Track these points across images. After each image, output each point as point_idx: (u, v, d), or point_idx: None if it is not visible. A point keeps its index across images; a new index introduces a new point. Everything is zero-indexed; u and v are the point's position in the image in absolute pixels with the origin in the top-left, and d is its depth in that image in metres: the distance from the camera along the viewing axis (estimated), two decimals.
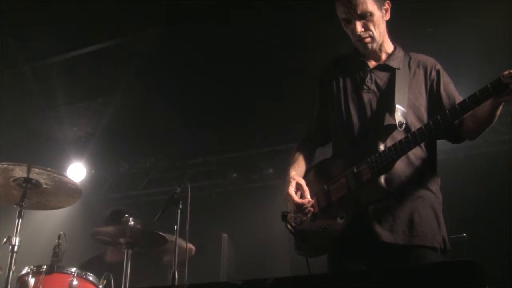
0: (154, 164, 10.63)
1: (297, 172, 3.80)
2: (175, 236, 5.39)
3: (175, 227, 5.39)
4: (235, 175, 10.16)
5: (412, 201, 3.48)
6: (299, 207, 3.59)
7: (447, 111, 3.23)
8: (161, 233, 5.77)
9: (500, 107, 3.27)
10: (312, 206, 3.62)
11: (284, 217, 3.77)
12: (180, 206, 5.45)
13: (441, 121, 3.23)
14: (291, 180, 3.68)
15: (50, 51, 7.46)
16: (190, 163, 10.45)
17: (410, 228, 3.40)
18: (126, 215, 5.85)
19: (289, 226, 3.74)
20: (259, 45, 7.46)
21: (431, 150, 3.65)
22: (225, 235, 8.64)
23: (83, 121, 9.55)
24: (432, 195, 3.55)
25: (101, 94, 8.67)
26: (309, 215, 3.62)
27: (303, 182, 3.67)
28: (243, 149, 10.04)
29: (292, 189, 3.63)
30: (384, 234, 3.40)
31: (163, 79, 8.33)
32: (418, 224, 3.41)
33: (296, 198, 3.59)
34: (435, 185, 3.61)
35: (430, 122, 3.29)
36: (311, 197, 3.62)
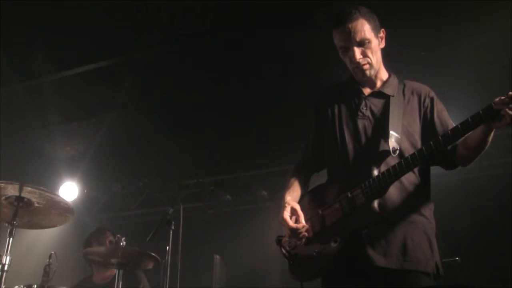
0: (147, 185, 10.59)
1: (292, 197, 3.83)
2: (166, 257, 5.36)
3: (167, 247, 5.37)
4: (228, 196, 10.14)
5: (405, 226, 3.49)
6: (294, 232, 3.61)
7: (440, 137, 3.26)
8: (153, 254, 5.74)
9: (492, 133, 3.28)
10: (307, 230, 3.64)
11: (278, 241, 3.81)
12: (173, 227, 5.44)
13: (434, 146, 3.26)
14: (286, 205, 3.72)
15: (44, 70, 7.45)
16: (183, 184, 10.42)
17: (403, 253, 3.42)
18: (118, 236, 5.83)
19: (283, 250, 3.77)
20: (253, 68, 7.48)
21: (425, 176, 3.68)
22: (217, 256, 8.60)
23: (76, 140, 9.54)
24: (425, 220, 3.57)
25: (94, 113, 8.67)
26: (303, 239, 3.64)
27: (297, 207, 3.70)
28: (236, 171, 10.03)
29: (287, 214, 3.66)
30: (378, 258, 3.41)
31: (157, 100, 8.33)
32: (411, 250, 3.42)
33: (291, 223, 3.62)
34: (428, 211, 3.62)
35: (423, 147, 3.32)
36: (306, 221, 3.65)
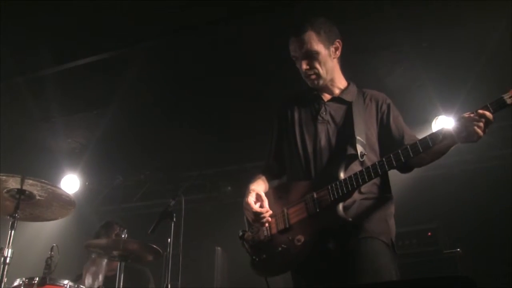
0: (148, 177, 10.58)
1: (258, 187, 3.99)
2: (167, 249, 5.37)
3: (169, 240, 5.37)
4: (229, 188, 10.14)
5: (365, 212, 3.64)
6: (257, 216, 3.76)
7: (408, 147, 3.40)
8: (155, 246, 5.75)
9: (453, 147, 3.46)
10: (270, 226, 3.79)
11: (241, 235, 3.93)
12: (174, 219, 5.43)
13: (402, 155, 3.40)
14: (251, 191, 3.90)
15: (45, 63, 7.44)
16: (184, 176, 10.42)
17: (358, 230, 3.56)
18: (120, 227, 5.86)
19: (246, 245, 3.90)
20: (253, 59, 7.47)
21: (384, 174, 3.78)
22: (219, 248, 8.61)
23: (78, 132, 9.52)
24: (382, 203, 3.72)
25: (95, 105, 8.65)
26: (266, 225, 3.79)
27: (263, 194, 3.87)
28: (238, 162, 10.03)
29: (251, 199, 3.83)
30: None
31: (159, 92, 8.32)
32: (366, 224, 3.59)
33: (255, 207, 3.78)
34: (388, 196, 3.79)
35: (391, 156, 3.45)
36: (270, 218, 3.79)
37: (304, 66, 3.89)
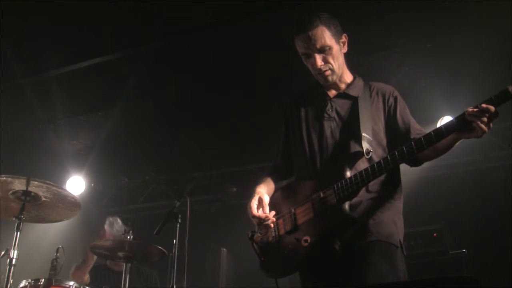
0: (153, 178, 10.60)
1: (264, 190, 3.95)
2: (173, 250, 5.37)
3: (174, 241, 5.37)
4: (234, 189, 10.12)
5: (372, 212, 3.59)
6: (256, 220, 3.75)
7: (413, 143, 3.35)
8: (160, 247, 5.76)
9: (458, 142, 3.40)
10: (278, 227, 3.76)
11: (251, 236, 3.90)
12: (179, 220, 5.43)
13: (406, 152, 3.35)
14: (255, 194, 3.86)
15: (50, 65, 7.45)
16: (189, 177, 10.42)
17: (366, 232, 3.51)
18: (126, 228, 5.87)
19: (255, 246, 3.88)
20: (259, 59, 7.46)
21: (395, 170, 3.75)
22: (224, 249, 8.61)
23: (83, 134, 9.54)
24: (390, 204, 3.66)
25: (100, 107, 8.66)
26: (271, 226, 3.74)
27: (264, 198, 3.83)
28: (243, 163, 10.02)
29: (254, 202, 3.80)
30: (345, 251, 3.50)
31: (163, 93, 8.32)
32: (374, 226, 3.52)
33: (255, 210, 3.76)
34: (396, 194, 3.74)
35: (396, 152, 3.40)
36: (277, 219, 3.77)
37: (319, 62, 3.79)
